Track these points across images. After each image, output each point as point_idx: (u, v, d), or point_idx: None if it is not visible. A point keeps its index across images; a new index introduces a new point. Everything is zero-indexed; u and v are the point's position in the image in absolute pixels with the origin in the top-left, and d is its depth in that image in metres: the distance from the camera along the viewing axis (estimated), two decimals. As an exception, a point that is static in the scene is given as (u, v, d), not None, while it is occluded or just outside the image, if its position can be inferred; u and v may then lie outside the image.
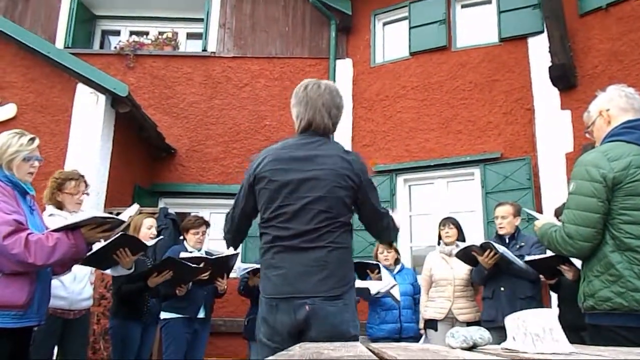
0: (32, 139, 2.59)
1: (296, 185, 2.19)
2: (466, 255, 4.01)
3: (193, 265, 4.00)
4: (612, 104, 2.36)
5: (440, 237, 4.61)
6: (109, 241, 2.99)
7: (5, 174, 2.49)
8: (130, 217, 2.74)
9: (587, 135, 2.54)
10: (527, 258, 3.65)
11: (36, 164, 2.61)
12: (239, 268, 4.83)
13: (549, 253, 3.32)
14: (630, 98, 2.35)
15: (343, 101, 2.40)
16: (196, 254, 4.40)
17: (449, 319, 4.31)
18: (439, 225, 4.63)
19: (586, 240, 2.19)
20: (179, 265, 3.95)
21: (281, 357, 1.00)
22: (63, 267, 2.72)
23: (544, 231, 2.44)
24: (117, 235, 2.84)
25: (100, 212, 2.77)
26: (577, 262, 2.96)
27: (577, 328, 2.76)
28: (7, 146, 2.51)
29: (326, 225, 2.15)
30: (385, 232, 2.40)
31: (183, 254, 4.22)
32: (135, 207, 3.43)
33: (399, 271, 4.86)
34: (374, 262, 4.75)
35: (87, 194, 3.50)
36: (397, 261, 4.92)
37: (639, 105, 2.35)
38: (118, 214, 5.85)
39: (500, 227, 4.11)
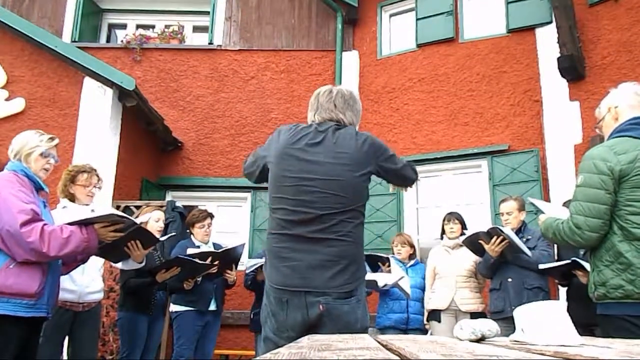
0: (52, 138, 2.74)
1: (306, 167, 2.13)
2: (472, 243, 4.02)
3: (200, 262, 4.03)
4: (621, 100, 2.41)
5: (443, 232, 4.62)
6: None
7: (22, 168, 2.60)
8: (142, 222, 2.80)
9: (596, 130, 2.60)
10: (541, 266, 3.66)
11: (52, 161, 2.72)
12: (247, 263, 4.85)
13: (555, 249, 3.33)
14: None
15: (359, 104, 2.37)
16: (203, 248, 4.43)
17: (452, 310, 4.32)
18: (443, 220, 4.65)
19: (594, 231, 2.26)
20: (187, 263, 3.98)
21: (290, 347, 1.01)
22: (68, 267, 2.81)
23: (548, 224, 2.49)
24: (132, 228, 2.88)
25: (117, 211, 2.82)
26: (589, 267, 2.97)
27: (586, 324, 2.77)
28: (27, 141, 2.66)
29: (339, 212, 2.08)
30: (409, 180, 2.41)
31: (190, 250, 4.24)
32: (149, 215, 3.44)
33: (412, 265, 4.90)
34: (385, 255, 4.77)
35: (100, 187, 3.54)
36: (411, 256, 4.95)
37: None
38: (126, 207, 5.88)
39: (507, 223, 4.11)
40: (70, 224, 2.49)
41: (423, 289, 4.78)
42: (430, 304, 4.49)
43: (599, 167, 2.25)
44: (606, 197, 2.22)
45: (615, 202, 2.23)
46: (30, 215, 2.38)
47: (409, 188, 2.48)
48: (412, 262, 4.92)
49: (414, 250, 5.01)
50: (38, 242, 2.34)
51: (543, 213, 2.77)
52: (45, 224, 2.41)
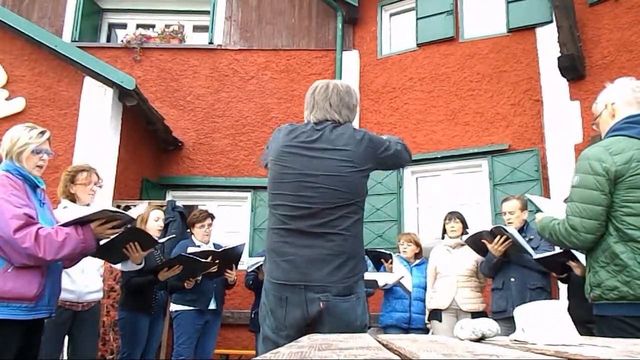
0: (42, 132, 2.60)
1: (307, 163, 2.15)
2: (475, 243, 4.01)
3: (203, 260, 4.03)
4: (618, 97, 2.38)
5: (445, 231, 4.62)
6: (119, 234, 3.00)
7: (16, 167, 2.51)
8: (139, 215, 2.75)
9: (593, 127, 2.57)
10: (536, 256, 3.65)
11: (45, 157, 2.61)
12: (248, 262, 4.86)
13: (557, 249, 3.31)
14: (637, 92, 2.36)
15: (356, 98, 2.37)
16: (204, 247, 4.44)
17: (453, 309, 4.32)
18: (444, 219, 4.65)
19: (590, 232, 2.23)
20: (189, 261, 3.98)
21: (291, 346, 1.01)
22: (72, 261, 2.75)
23: (544, 224, 2.46)
24: (127, 228, 2.84)
25: (110, 207, 2.76)
26: (583, 259, 2.97)
27: (586, 322, 2.77)
28: (17, 138, 2.53)
29: (339, 207, 2.10)
30: (403, 160, 2.41)
31: (191, 249, 4.25)
32: (144, 205, 3.42)
33: (418, 264, 4.90)
34: (387, 252, 4.78)
35: (100, 186, 3.52)
36: (417, 255, 4.94)
37: None
38: (126, 207, 5.89)
39: (509, 222, 4.10)
40: (65, 224, 2.42)
41: (426, 288, 4.78)
42: (431, 303, 4.49)
43: (594, 168, 2.22)
44: (602, 198, 2.19)
45: (611, 203, 2.20)
46: (24, 220, 2.30)
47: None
48: (417, 261, 4.91)
49: (420, 249, 4.99)
50: (33, 247, 2.28)
51: (541, 211, 2.75)
52: (40, 228, 2.33)
